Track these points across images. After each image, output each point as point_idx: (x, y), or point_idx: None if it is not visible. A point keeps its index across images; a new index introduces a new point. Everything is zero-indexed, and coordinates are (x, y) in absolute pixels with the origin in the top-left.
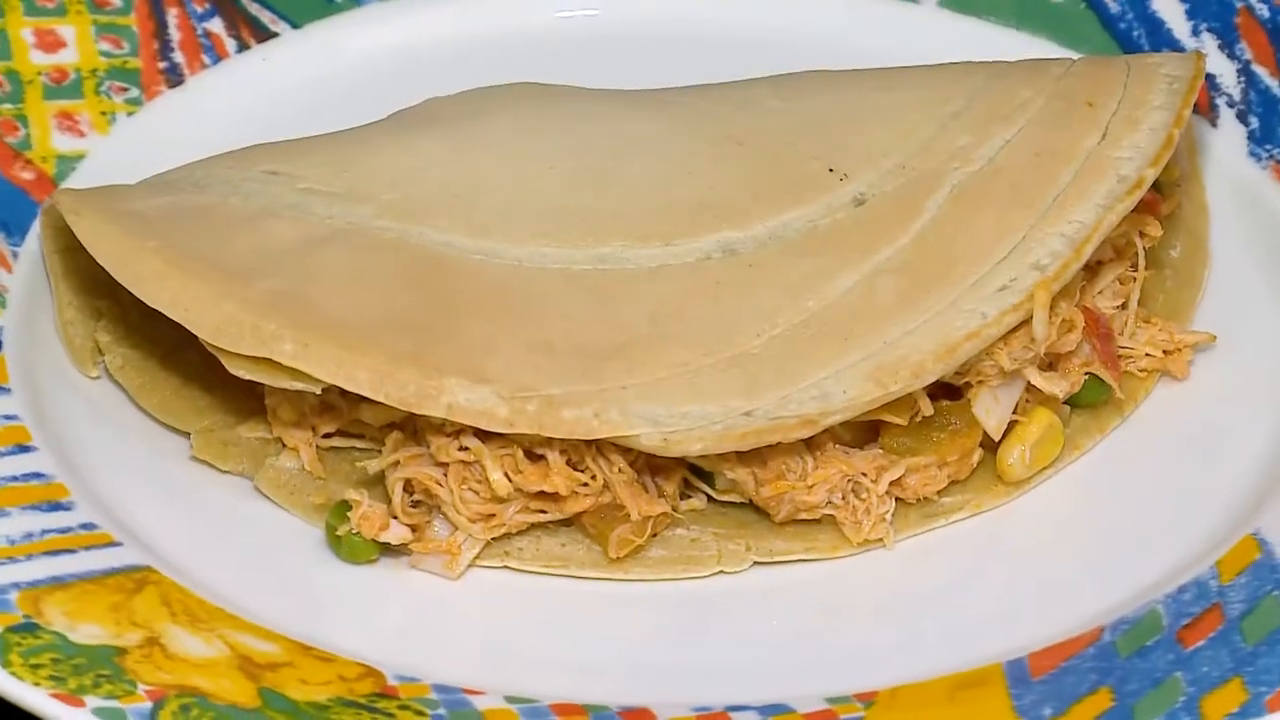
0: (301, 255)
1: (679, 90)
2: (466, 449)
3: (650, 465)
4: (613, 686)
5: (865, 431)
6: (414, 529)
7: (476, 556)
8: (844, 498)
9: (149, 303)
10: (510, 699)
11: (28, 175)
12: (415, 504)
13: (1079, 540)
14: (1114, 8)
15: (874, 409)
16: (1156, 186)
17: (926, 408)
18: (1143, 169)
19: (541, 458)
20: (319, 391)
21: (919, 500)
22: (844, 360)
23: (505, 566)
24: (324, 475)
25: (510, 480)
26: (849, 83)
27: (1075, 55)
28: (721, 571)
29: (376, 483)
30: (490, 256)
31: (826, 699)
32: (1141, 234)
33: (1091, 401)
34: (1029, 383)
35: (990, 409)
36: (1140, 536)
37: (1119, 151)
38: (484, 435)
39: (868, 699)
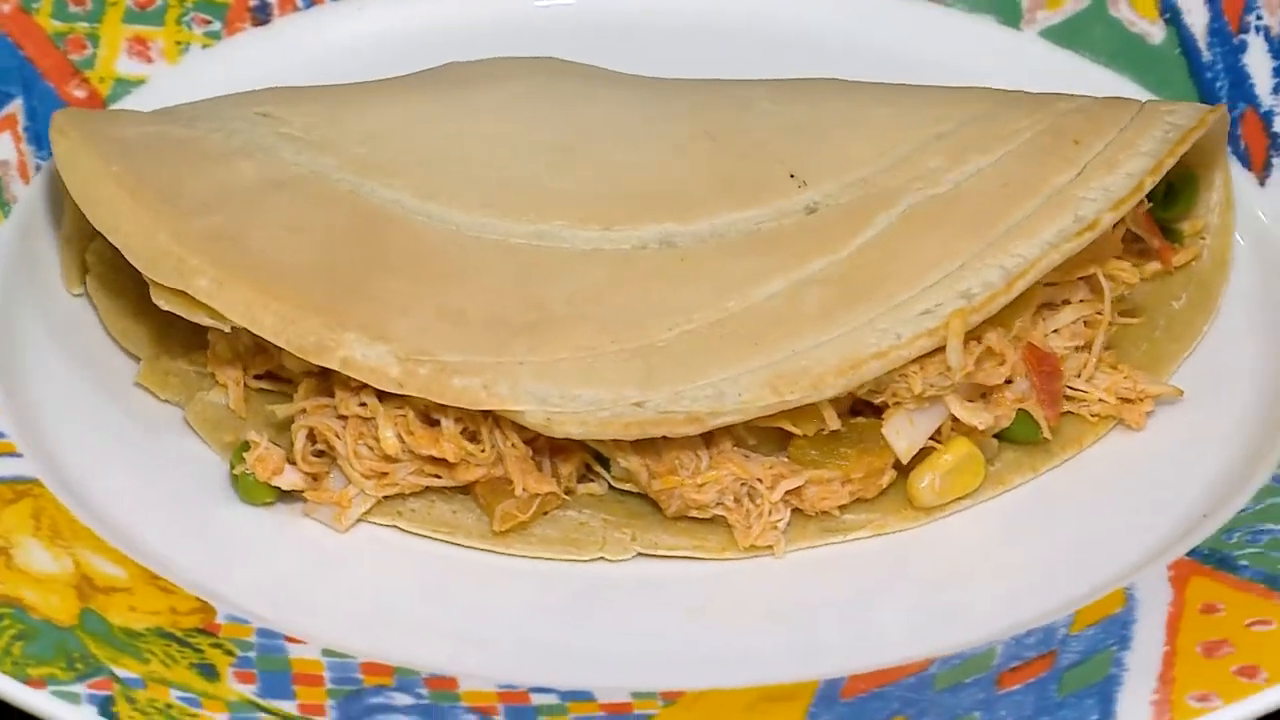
0: (255, 197)
1: (682, 82)
2: (365, 405)
3: (551, 445)
4: (457, 654)
5: (776, 438)
6: (315, 478)
7: (367, 512)
8: (737, 500)
9: (95, 225)
10: (326, 652)
11: (80, 94)
12: (318, 454)
13: (981, 575)
14: (1207, 56)
15: (774, 417)
16: (1175, 235)
17: (832, 421)
18: (1102, 212)
19: (437, 423)
20: (228, 330)
21: (819, 513)
22: (747, 364)
23: (395, 526)
24: (245, 415)
25: (402, 441)
26: (850, 93)
27: (1151, 96)
28: (603, 558)
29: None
30: (433, 219)
31: (631, 692)
32: (1114, 278)
33: (1022, 438)
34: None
35: (902, 431)
36: (1042, 579)
37: (1087, 192)
38: (387, 395)
39: (671, 698)
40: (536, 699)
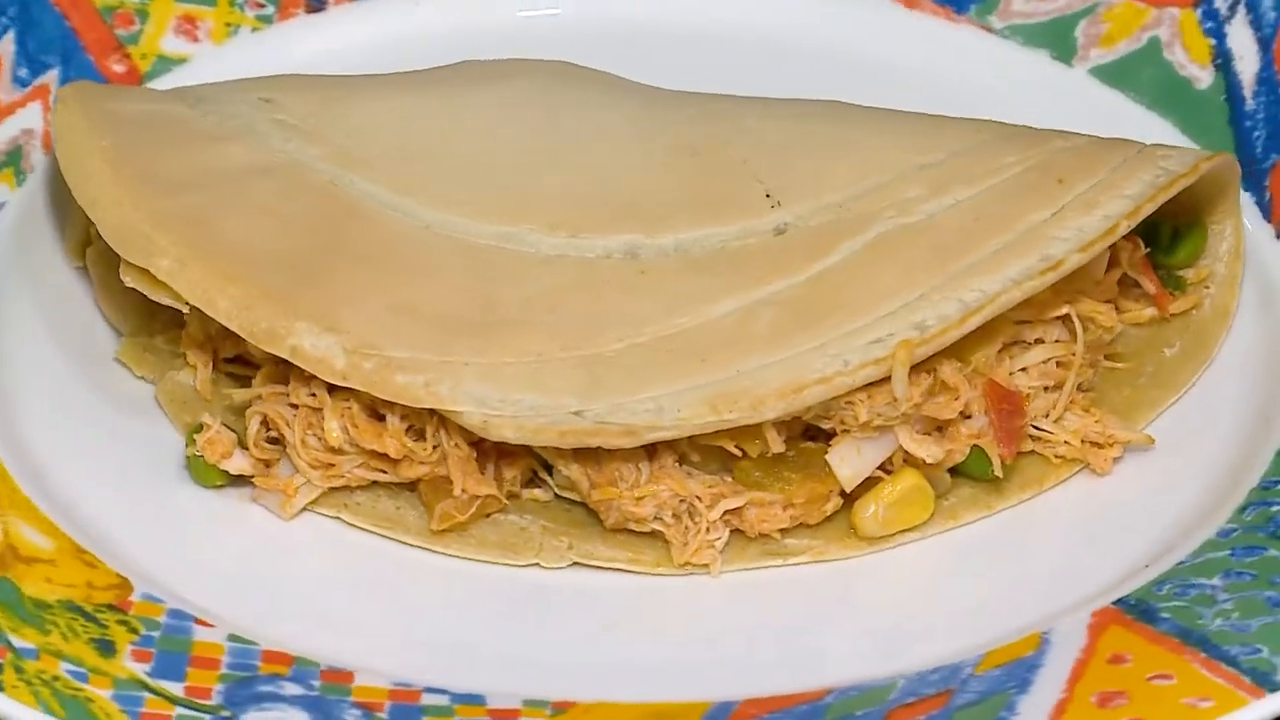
0: (235, 181)
1: (683, 95)
2: (315, 395)
3: (498, 449)
4: (370, 649)
5: (721, 457)
6: (267, 464)
7: (314, 502)
8: (676, 516)
9: (76, 197)
10: (232, 637)
11: (119, 68)
12: (272, 441)
13: (920, 609)
14: (1250, 105)
15: (716, 435)
16: (1177, 283)
17: (774, 444)
18: (1070, 252)
19: (383, 418)
20: (186, 310)
21: (759, 536)
22: (691, 380)
23: (339, 518)
24: (210, 398)
25: (347, 434)
26: (846, 117)
27: (1187, 140)
28: (538, 564)
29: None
30: (403, 214)
31: (524, 700)
32: (1092, 320)
33: (975, 474)
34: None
35: (847, 459)
36: (977, 617)
37: (1060, 231)
38: (337, 387)
39: (561, 708)
40: (426, 699)
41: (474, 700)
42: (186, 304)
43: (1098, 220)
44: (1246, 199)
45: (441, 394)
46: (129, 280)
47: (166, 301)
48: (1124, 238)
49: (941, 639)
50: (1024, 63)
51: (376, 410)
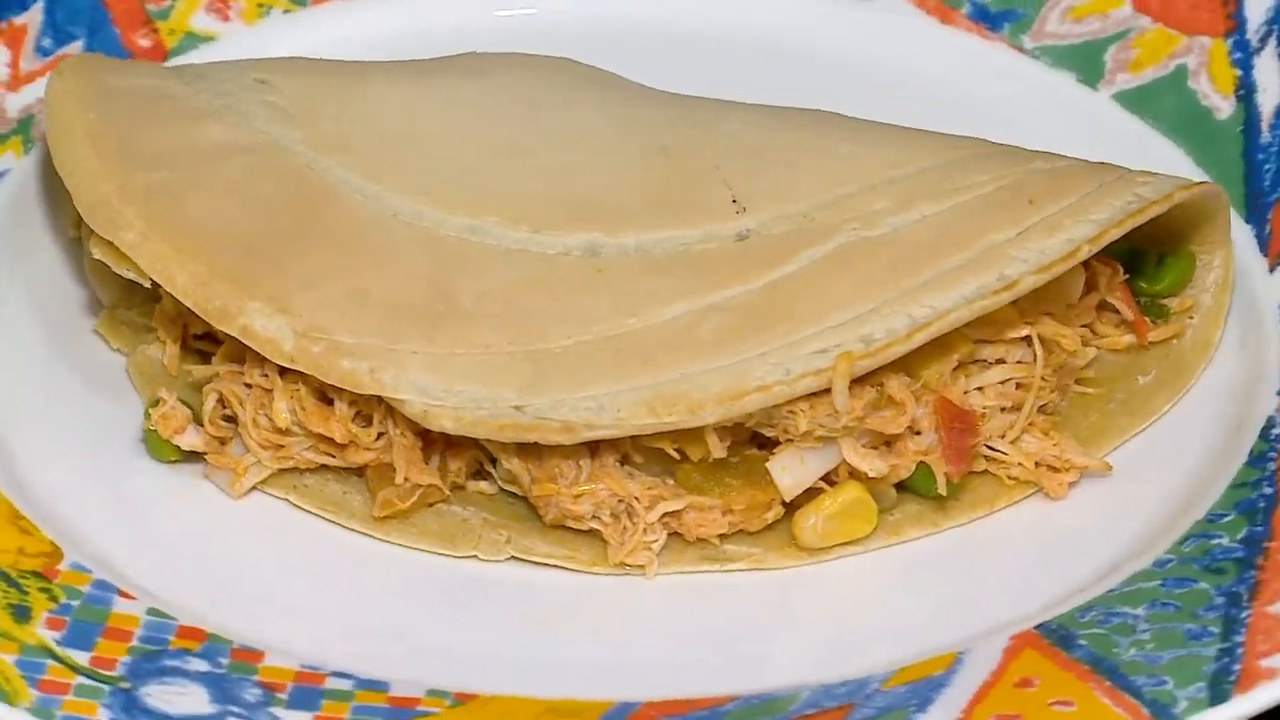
0: (212, 159)
1: (669, 96)
2: (267, 375)
3: (446, 440)
4: (294, 630)
5: (664, 459)
6: (222, 442)
7: (264, 482)
8: (614, 516)
9: (56, 166)
10: (151, 611)
11: (145, 43)
12: (228, 419)
13: (855, 621)
14: (1266, 137)
15: (658, 438)
16: (1160, 311)
17: (715, 449)
18: (1026, 274)
19: (331, 402)
20: (147, 284)
21: (699, 540)
22: (633, 381)
23: (287, 499)
24: (176, 373)
25: (295, 416)
26: (827, 126)
27: (1199, 170)
28: (476, 556)
29: None
30: (373, 201)
31: (427, 689)
32: (1056, 344)
33: (922, 491)
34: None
35: (789, 468)
36: (908, 633)
37: (1021, 252)
38: (290, 369)
39: (462, 700)
40: (330, 683)
41: (377, 687)
42: (147, 278)
43: (1060, 243)
44: (1245, 231)
45: (385, 381)
46: (97, 252)
47: (129, 275)
48: (1103, 262)
49: (869, 653)
50: (1048, 84)
51: (326, 395)
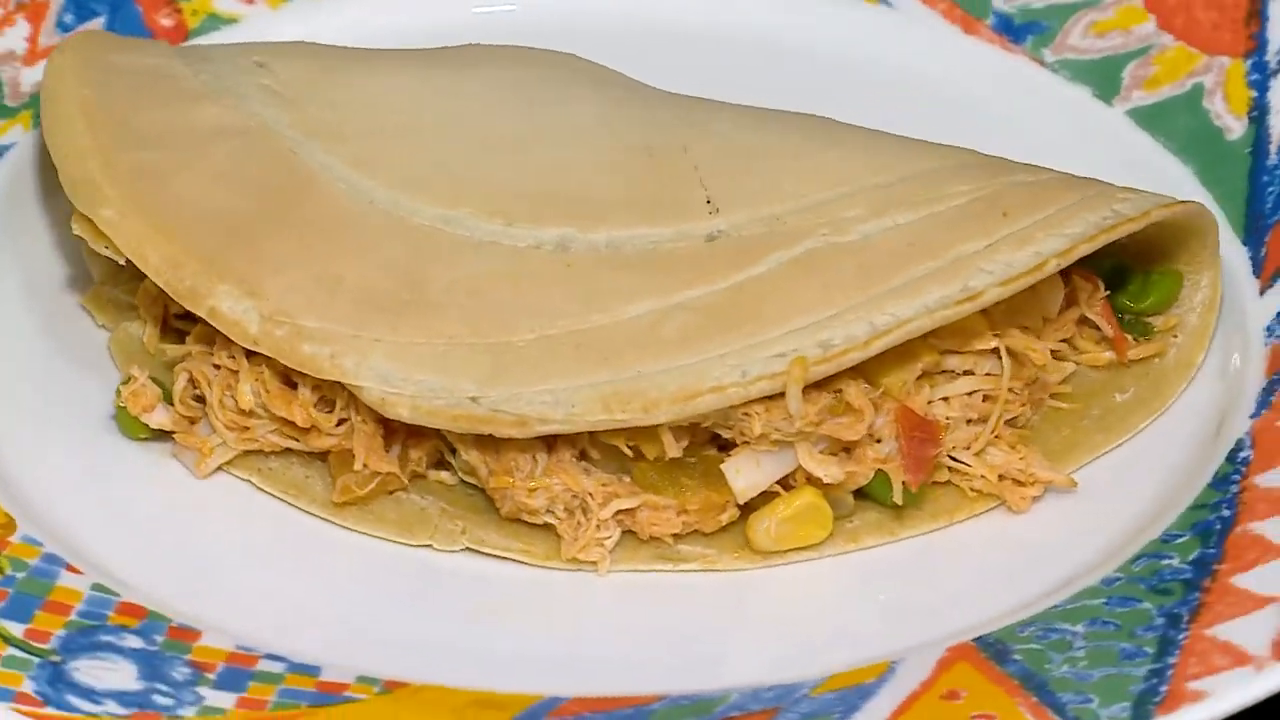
0: (201, 140)
1: (664, 95)
2: (234, 357)
3: (407, 429)
4: (236, 611)
5: (622, 457)
6: (191, 421)
7: (230, 464)
8: (569, 511)
9: (46, 140)
10: (96, 586)
11: (167, 22)
12: (198, 399)
13: (803, 625)
14: (1272, 159)
15: (614, 435)
16: (1143, 329)
17: (670, 449)
18: (990, 285)
19: (295, 386)
20: (123, 263)
21: (652, 539)
22: (590, 377)
23: (250, 481)
24: (154, 351)
25: (259, 398)
26: (815, 131)
27: (1203, 190)
28: (431, 546)
29: None
30: (352, 188)
31: (357, 675)
32: (1025, 357)
33: (879, 499)
34: None
35: (744, 471)
36: (855, 639)
37: (989, 264)
38: (256, 352)
39: (391, 687)
40: (262, 665)
41: (308, 670)
42: (123, 256)
43: (1028, 256)
44: (1241, 253)
45: (346, 367)
46: (77, 229)
47: (106, 253)
48: (1084, 277)
49: (816, 659)
50: (1063, 98)
51: (291, 379)
